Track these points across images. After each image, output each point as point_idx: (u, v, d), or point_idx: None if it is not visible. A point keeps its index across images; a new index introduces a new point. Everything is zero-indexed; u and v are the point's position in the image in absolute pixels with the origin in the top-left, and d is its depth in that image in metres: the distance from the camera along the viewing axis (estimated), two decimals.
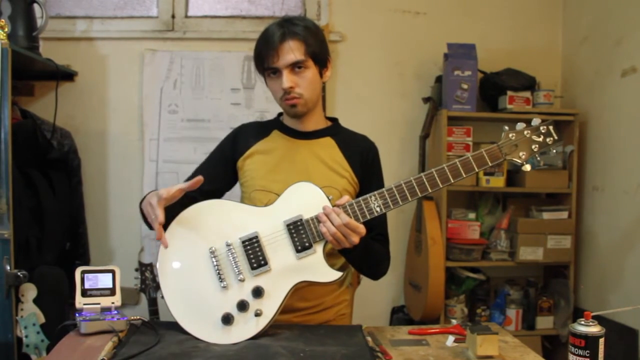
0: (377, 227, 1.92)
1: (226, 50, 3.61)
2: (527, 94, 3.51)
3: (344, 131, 2.07)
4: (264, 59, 1.86)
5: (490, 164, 1.70)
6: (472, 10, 3.76)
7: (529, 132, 1.71)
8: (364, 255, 1.83)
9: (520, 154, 1.70)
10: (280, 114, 2.08)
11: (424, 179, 1.69)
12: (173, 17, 3.63)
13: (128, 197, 3.61)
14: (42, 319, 2.58)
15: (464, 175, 1.70)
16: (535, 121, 1.73)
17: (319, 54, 1.89)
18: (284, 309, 1.74)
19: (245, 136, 2.03)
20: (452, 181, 1.69)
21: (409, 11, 3.73)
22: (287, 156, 1.96)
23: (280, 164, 1.95)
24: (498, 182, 3.50)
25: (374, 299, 3.70)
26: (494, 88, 3.57)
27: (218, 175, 1.99)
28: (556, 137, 1.71)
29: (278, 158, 1.96)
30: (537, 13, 3.80)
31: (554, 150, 1.76)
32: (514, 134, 1.71)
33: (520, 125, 1.72)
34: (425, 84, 3.71)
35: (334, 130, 2.03)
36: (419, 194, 1.69)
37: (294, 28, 1.85)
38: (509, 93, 3.48)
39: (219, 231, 1.74)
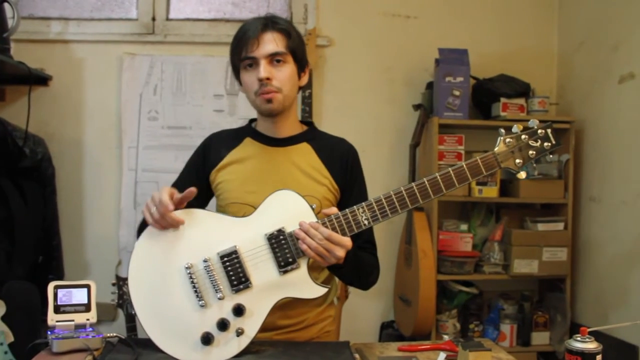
0: (363, 234, 1.84)
1: (209, 54, 3.55)
2: (522, 101, 3.48)
3: (321, 135, 2.00)
4: (242, 48, 1.80)
5: (485, 174, 1.64)
6: (465, 14, 3.73)
7: (527, 136, 1.66)
8: (355, 270, 1.77)
9: (517, 161, 1.65)
10: (251, 121, 2.01)
11: (415, 190, 1.63)
12: (153, 19, 3.56)
13: (105, 208, 3.54)
14: (11, 338, 2.48)
15: (457, 186, 1.64)
16: (533, 122, 1.67)
17: (300, 53, 1.85)
18: (266, 327, 1.68)
19: (216, 147, 1.96)
20: (445, 192, 1.63)
21: (399, 15, 3.70)
22: (261, 165, 1.89)
23: (254, 174, 1.88)
24: (491, 192, 3.46)
25: (363, 314, 3.66)
26: (487, 95, 3.54)
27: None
28: (554, 142, 1.66)
29: (252, 167, 1.89)
30: (531, 17, 3.79)
31: (551, 156, 1.68)
32: (510, 140, 1.65)
33: (516, 129, 1.66)
34: (416, 90, 3.67)
35: (310, 134, 1.96)
36: (409, 205, 1.63)
37: (276, 20, 1.83)
38: (503, 100, 3.45)
39: (194, 245, 1.66)
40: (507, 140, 1.64)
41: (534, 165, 1.69)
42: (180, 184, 1.93)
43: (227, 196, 1.87)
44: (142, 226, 1.77)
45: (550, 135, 1.66)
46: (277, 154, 1.89)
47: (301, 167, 1.88)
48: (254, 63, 1.79)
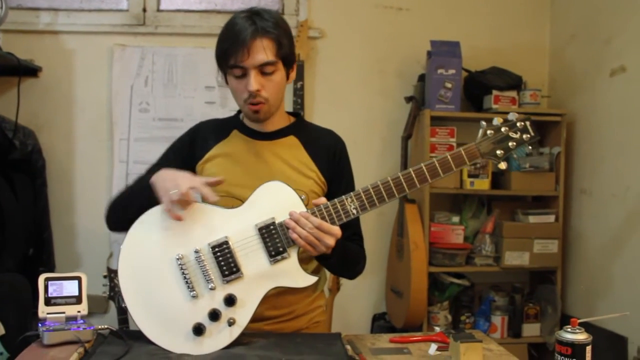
0: (351, 227, 1.87)
1: (200, 46, 3.52)
2: (513, 94, 3.47)
3: (308, 127, 1.99)
4: (231, 55, 1.74)
5: (468, 163, 1.70)
6: (457, 7, 3.71)
7: (506, 128, 1.71)
8: (342, 260, 1.78)
9: (498, 151, 1.70)
10: (240, 111, 1.98)
11: (402, 179, 1.68)
12: (144, 10, 3.53)
13: (96, 200, 3.49)
14: (2, 330, 2.48)
15: (442, 175, 1.69)
16: (512, 116, 1.72)
17: (289, 55, 1.81)
18: (254, 317, 1.68)
19: (204, 137, 1.93)
20: (430, 181, 1.68)
21: (391, 7, 3.68)
22: (248, 159, 1.87)
23: (242, 168, 1.86)
24: (483, 184, 3.45)
25: (354, 305, 3.65)
26: (478, 87, 3.52)
27: None
28: (533, 134, 1.72)
29: (239, 161, 1.88)
30: (524, 9, 3.77)
31: (530, 147, 1.79)
32: (491, 131, 1.71)
33: (497, 121, 1.72)
34: (408, 82, 3.65)
35: (297, 127, 1.94)
36: (396, 194, 1.68)
37: (265, 24, 1.74)
38: (495, 92, 3.44)
39: (185, 236, 1.66)
40: (489, 131, 1.70)
41: (515, 156, 1.75)
42: (163, 165, 1.88)
43: (214, 189, 1.85)
44: (120, 202, 1.81)
45: (529, 127, 1.72)
46: (264, 148, 1.88)
47: (288, 160, 1.87)
48: (243, 72, 1.74)
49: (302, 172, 1.86)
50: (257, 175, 1.79)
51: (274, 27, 1.75)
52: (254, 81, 1.73)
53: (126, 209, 1.76)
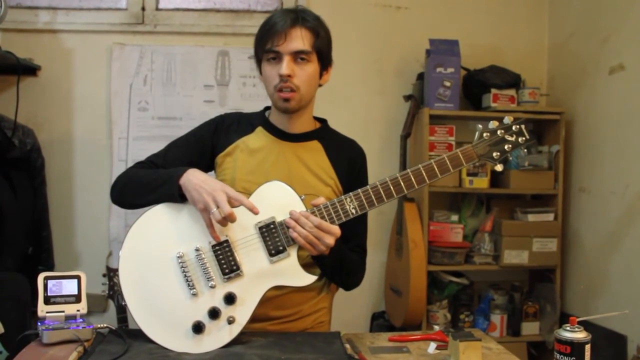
0: (355, 239, 1.90)
1: (199, 44, 3.52)
2: (512, 92, 3.46)
3: (333, 134, 2.00)
4: (268, 40, 1.77)
5: (465, 165, 1.73)
6: (455, 5, 3.71)
7: (502, 131, 1.74)
8: (338, 263, 1.79)
9: (494, 154, 1.73)
10: (266, 109, 1.99)
11: (400, 180, 1.69)
12: (143, 9, 3.52)
13: (95, 199, 3.49)
14: (1, 329, 2.45)
15: (440, 176, 1.71)
16: (507, 120, 1.75)
17: (325, 52, 1.83)
18: (258, 317, 1.69)
19: (227, 129, 1.94)
20: (428, 182, 1.71)
21: (389, 5, 3.67)
22: (270, 158, 1.88)
23: (262, 166, 1.87)
24: (482, 183, 3.45)
25: (354, 304, 3.64)
26: (477, 85, 3.51)
27: (192, 163, 1.84)
28: (528, 137, 1.76)
29: (261, 159, 1.88)
30: (522, 8, 3.76)
31: (525, 150, 1.78)
32: (487, 133, 1.73)
33: (492, 124, 1.75)
34: (407, 81, 3.65)
35: (322, 133, 1.96)
36: (394, 195, 1.69)
37: (306, 16, 1.79)
38: (493, 91, 3.43)
39: (186, 235, 1.68)
40: (485, 133, 1.73)
41: (510, 157, 1.78)
42: (179, 151, 1.91)
43: (231, 184, 1.84)
44: (131, 185, 1.79)
45: (524, 130, 1.75)
46: (287, 149, 1.89)
47: (309, 165, 1.88)
48: (277, 57, 1.77)
49: (321, 178, 1.87)
50: (276, 175, 1.80)
51: (313, 20, 1.79)
52: (286, 65, 1.75)
53: (135, 197, 1.79)
